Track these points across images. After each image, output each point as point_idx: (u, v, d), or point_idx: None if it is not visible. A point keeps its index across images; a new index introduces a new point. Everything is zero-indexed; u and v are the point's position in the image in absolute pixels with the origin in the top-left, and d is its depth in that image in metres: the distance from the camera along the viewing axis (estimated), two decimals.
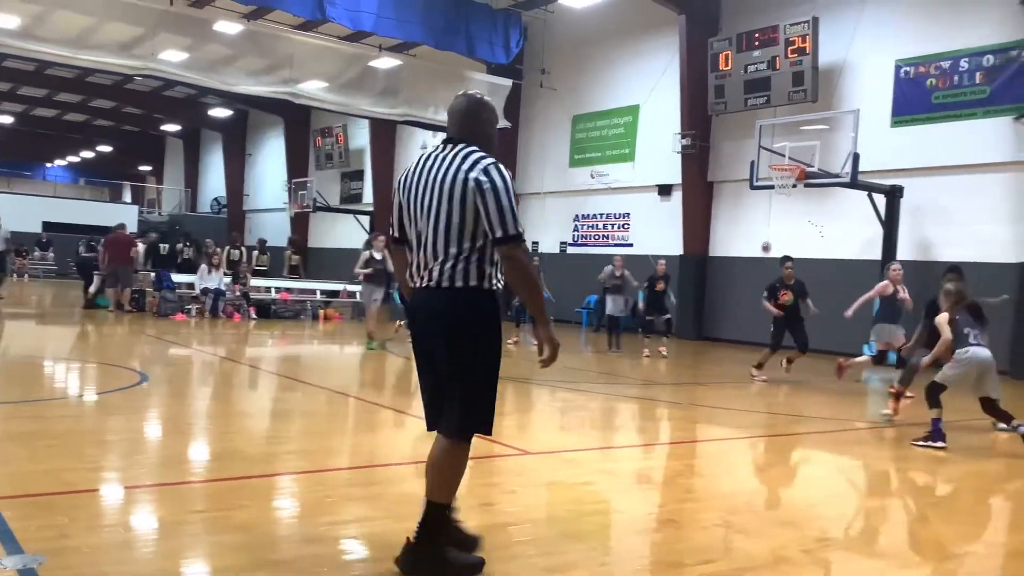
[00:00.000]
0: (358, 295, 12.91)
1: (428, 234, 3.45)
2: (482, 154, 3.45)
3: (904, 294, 10.53)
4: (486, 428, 3.52)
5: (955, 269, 9.62)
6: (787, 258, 12.07)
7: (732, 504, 5.10)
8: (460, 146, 3.50)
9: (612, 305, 14.74)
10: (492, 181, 3.37)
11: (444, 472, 3.52)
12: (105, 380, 8.91)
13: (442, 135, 16.51)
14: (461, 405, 3.43)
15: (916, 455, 6.97)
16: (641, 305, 15.34)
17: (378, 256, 12.55)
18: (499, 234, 3.34)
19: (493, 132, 3.67)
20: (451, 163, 3.45)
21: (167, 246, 19.90)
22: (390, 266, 12.14)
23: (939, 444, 7.01)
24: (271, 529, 4.10)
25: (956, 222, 14.47)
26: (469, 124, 3.59)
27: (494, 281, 3.46)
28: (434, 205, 3.43)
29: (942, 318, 7.39)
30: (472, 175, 3.37)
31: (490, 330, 3.46)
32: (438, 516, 3.49)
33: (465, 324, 3.42)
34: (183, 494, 4.65)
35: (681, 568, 3.82)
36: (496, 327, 3.49)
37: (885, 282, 10.54)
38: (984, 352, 7.26)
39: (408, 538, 3.49)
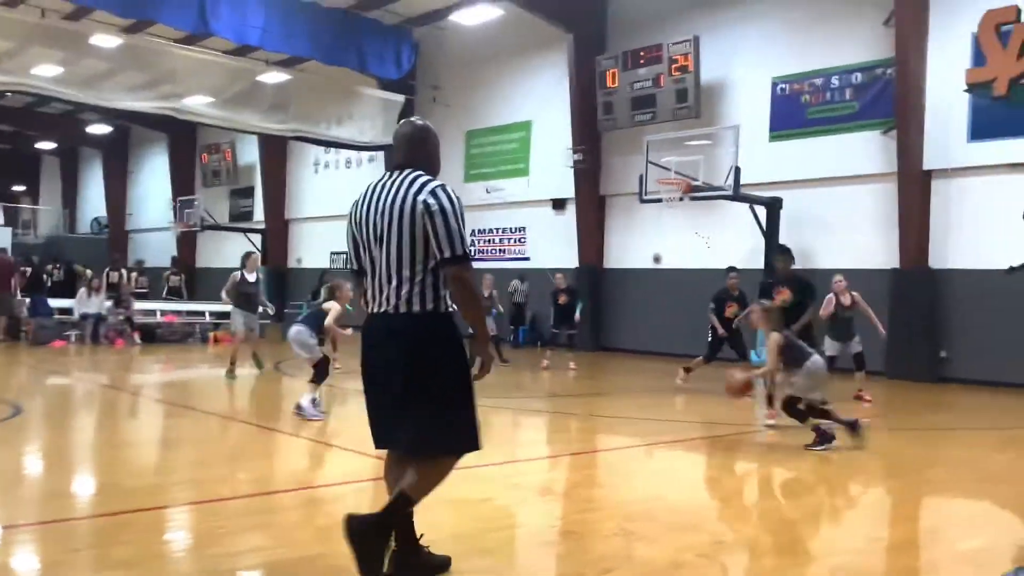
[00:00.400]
0: (232, 322, 11.64)
1: (381, 260, 3.53)
2: (428, 177, 3.57)
3: (849, 301, 10.85)
4: (470, 445, 3.59)
5: (785, 251, 9.92)
6: (732, 268, 12.21)
7: (630, 512, 5.18)
8: (407, 171, 3.59)
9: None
10: (440, 203, 3.46)
11: (427, 480, 3.57)
12: None
13: (334, 151, 16.42)
14: (431, 425, 3.49)
15: (805, 456, 7.25)
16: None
17: (251, 278, 11.63)
18: (447, 254, 3.45)
19: (438, 156, 3.79)
20: (399, 188, 3.54)
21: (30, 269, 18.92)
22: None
23: (830, 445, 7.26)
24: (158, 564, 3.92)
25: (833, 231, 15.20)
26: (414, 150, 3.70)
27: (449, 304, 3.56)
28: (385, 231, 3.51)
29: (774, 341, 7.48)
30: (420, 198, 3.48)
31: (451, 350, 3.54)
32: (403, 505, 3.54)
33: (425, 347, 3.49)
34: (61, 532, 4.41)
35: None
36: (457, 347, 3.57)
37: (829, 296, 10.72)
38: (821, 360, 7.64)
39: (367, 516, 3.54)
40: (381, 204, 3.56)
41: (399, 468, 3.69)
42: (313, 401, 8.30)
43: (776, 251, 11.34)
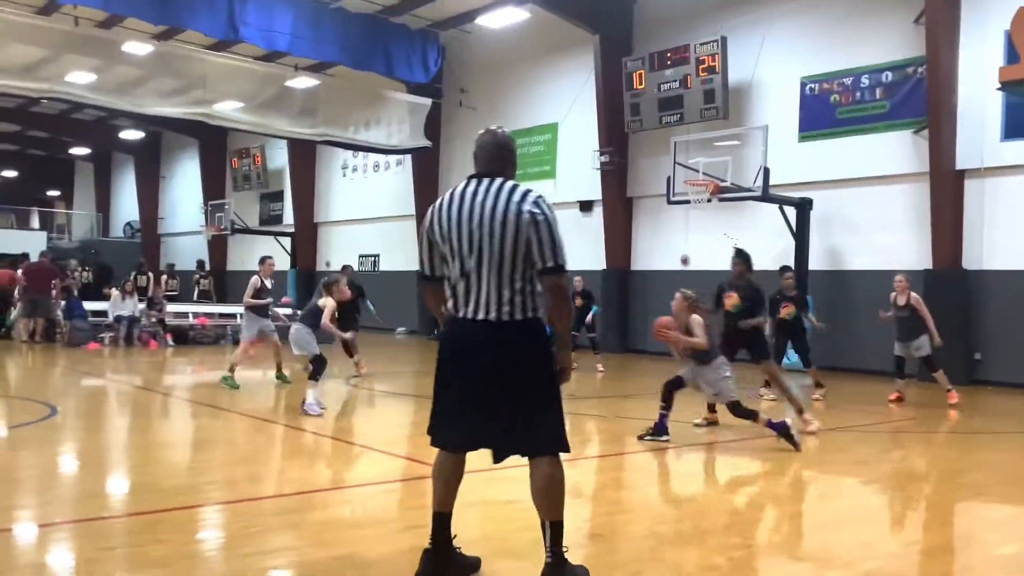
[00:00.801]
0: (244, 327, 11.46)
1: (482, 268, 3.56)
2: (526, 187, 3.65)
3: (904, 301, 10.95)
4: (566, 445, 3.70)
5: (740, 253, 9.76)
6: (786, 268, 12.10)
7: (660, 514, 5.17)
8: (499, 180, 3.65)
9: None
10: (544, 213, 3.56)
11: (559, 491, 3.66)
12: (11, 414, 8.53)
13: (362, 155, 16.44)
14: (546, 428, 3.62)
15: (834, 460, 7.18)
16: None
17: (269, 284, 11.49)
18: (549, 264, 3.54)
19: (516, 165, 3.88)
20: (498, 196, 3.58)
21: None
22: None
23: (664, 438, 7.43)
24: (190, 563, 3.97)
25: (864, 232, 15.04)
26: (499, 158, 3.76)
27: (541, 311, 3.65)
28: (486, 238, 3.54)
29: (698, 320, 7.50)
30: (525, 208, 3.54)
31: (549, 356, 3.67)
32: (561, 530, 3.64)
33: (532, 353, 3.61)
34: (96, 530, 4.48)
35: None
36: (552, 352, 3.71)
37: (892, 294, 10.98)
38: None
39: (547, 560, 3.61)
40: (479, 212, 3.56)
41: (455, 472, 3.77)
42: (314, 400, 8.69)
43: (781, 270, 11.49)
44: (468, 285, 3.59)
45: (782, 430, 7.30)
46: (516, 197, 3.58)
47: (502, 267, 3.55)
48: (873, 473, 6.71)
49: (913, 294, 10.93)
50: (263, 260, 11.63)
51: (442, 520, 3.74)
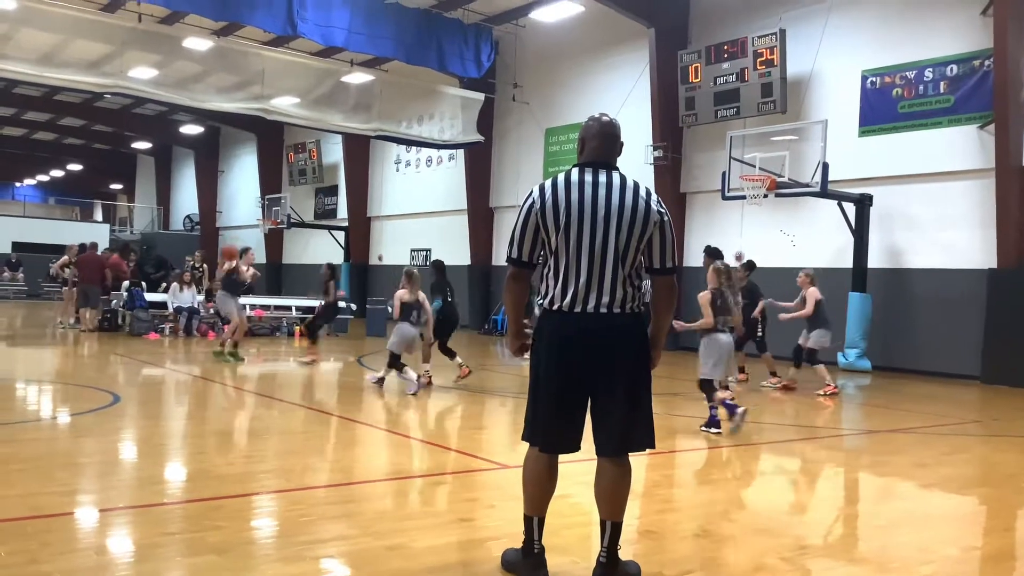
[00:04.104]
0: (230, 304, 12.63)
1: (606, 259, 3.52)
2: (647, 186, 3.68)
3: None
4: (654, 441, 3.74)
5: (712, 252, 10.90)
6: (750, 263, 12.61)
7: (711, 513, 5.12)
8: (618, 173, 3.64)
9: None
10: (668, 215, 3.65)
11: (627, 492, 3.69)
12: (77, 402, 8.78)
13: (415, 149, 16.67)
14: (645, 424, 3.65)
15: (893, 462, 7.03)
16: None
17: (243, 268, 12.63)
18: (668, 265, 3.63)
19: None
20: (625, 191, 3.57)
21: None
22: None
23: (714, 431, 7.71)
24: (247, 550, 4.05)
25: (926, 229, 14.68)
26: (615, 147, 3.74)
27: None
28: (612, 231, 3.52)
29: (705, 296, 8.04)
30: (654, 206, 3.58)
31: (649, 351, 3.70)
32: (620, 531, 3.67)
33: (644, 347, 3.66)
34: (156, 516, 4.59)
35: None
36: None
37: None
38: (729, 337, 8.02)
39: (600, 561, 3.62)
40: (605, 203, 3.52)
41: (553, 473, 3.72)
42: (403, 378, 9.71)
43: (705, 252, 11.64)
44: (589, 276, 3.52)
45: (712, 421, 7.74)
46: (643, 193, 3.59)
47: (624, 260, 3.53)
48: (932, 476, 6.55)
49: (811, 289, 11.23)
50: (245, 251, 12.93)
51: (541, 525, 3.70)
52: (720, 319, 7.94)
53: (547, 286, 3.65)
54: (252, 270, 12.65)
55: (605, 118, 3.77)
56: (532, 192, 3.65)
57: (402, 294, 9.79)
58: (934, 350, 14.26)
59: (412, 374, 9.80)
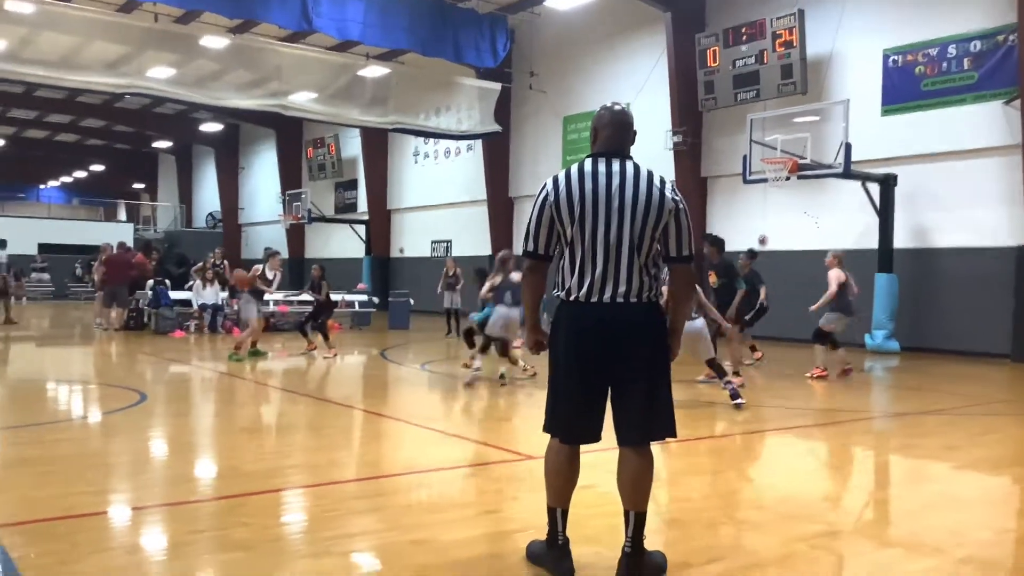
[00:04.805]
0: (251, 309, 12.53)
1: (622, 250, 3.50)
2: (660, 174, 3.65)
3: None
4: (675, 430, 3.70)
5: (715, 241, 10.90)
6: (713, 238, 12.09)
7: (739, 500, 5.08)
8: (632, 162, 3.61)
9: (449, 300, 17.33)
10: (684, 203, 3.63)
11: (650, 481, 3.65)
12: (104, 401, 8.88)
13: (433, 141, 16.71)
14: (666, 412, 3.62)
15: (923, 444, 6.95)
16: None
17: (270, 275, 12.56)
18: (685, 253, 3.60)
19: None
20: (639, 180, 3.54)
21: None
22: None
23: (738, 401, 8.16)
24: (274, 546, 4.06)
25: (951, 208, 14.48)
26: (628, 136, 3.71)
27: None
28: (627, 221, 3.50)
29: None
30: (668, 194, 3.56)
31: (667, 339, 3.67)
32: (644, 521, 3.62)
33: (662, 335, 3.63)
34: (184, 514, 4.62)
35: (688, 568, 3.79)
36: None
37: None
38: (691, 324, 8.09)
39: (624, 552, 3.58)
40: (619, 193, 3.50)
41: (576, 465, 3.70)
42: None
43: (705, 239, 11.33)
44: (605, 266, 3.50)
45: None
46: (657, 182, 3.56)
47: (640, 250, 3.51)
48: (964, 458, 6.46)
49: (835, 271, 10.93)
50: (272, 255, 12.99)
51: (564, 516, 3.68)
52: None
53: (563, 277, 3.62)
54: (277, 275, 12.61)
55: (617, 107, 3.74)
56: (546, 184, 3.63)
57: (493, 278, 9.96)
58: (963, 329, 14.08)
59: (478, 362, 9.91)
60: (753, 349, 12.45)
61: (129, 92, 20.17)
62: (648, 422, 3.59)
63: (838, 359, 10.89)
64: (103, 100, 30.98)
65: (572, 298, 3.57)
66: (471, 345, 11.15)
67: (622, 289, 3.50)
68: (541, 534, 3.81)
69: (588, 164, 3.60)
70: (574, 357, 3.57)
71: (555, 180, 3.60)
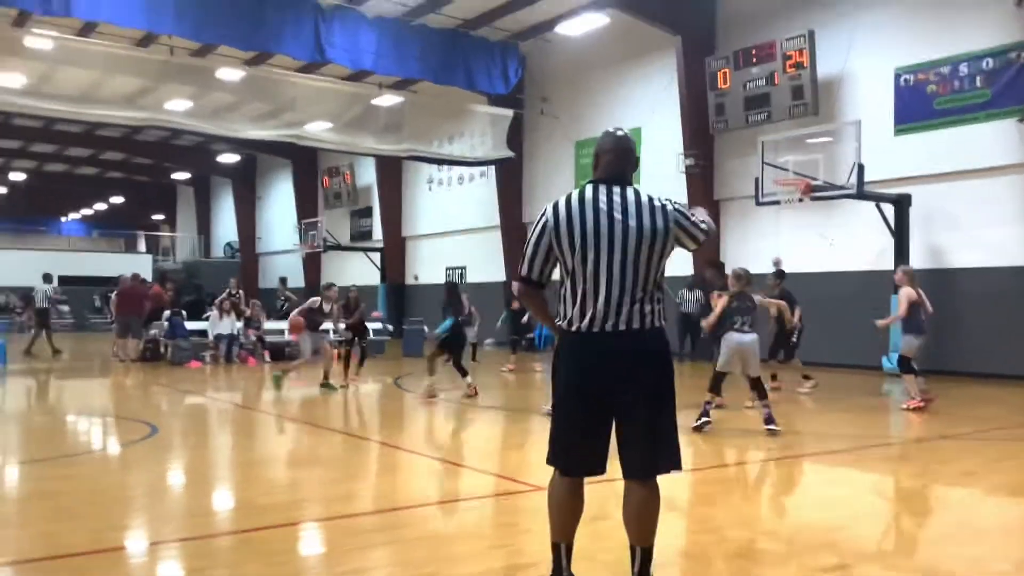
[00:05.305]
0: (306, 346, 12.55)
1: (626, 279, 3.46)
2: (662, 197, 3.62)
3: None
4: (680, 462, 3.63)
5: (715, 264, 10.97)
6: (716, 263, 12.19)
7: (753, 531, 5.01)
8: (633, 188, 3.59)
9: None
10: (680, 204, 3.64)
11: (657, 515, 3.58)
12: (113, 435, 8.90)
13: (447, 168, 16.88)
14: (672, 444, 3.56)
15: (940, 471, 6.84)
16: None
17: (327, 307, 12.37)
18: (703, 238, 3.66)
19: None
20: (642, 209, 3.51)
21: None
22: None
23: (704, 420, 8.24)
24: None
25: (966, 227, 14.35)
26: (629, 162, 3.69)
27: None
28: (632, 250, 3.46)
29: (722, 300, 8.54)
30: (670, 215, 3.54)
31: (672, 368, 3.64)
32: (652, 556, 3.58)
33: (668, 363, 3.58)
34: (197, 549, 4.61)
35: None
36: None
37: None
38: (746, 337, 8.31)
39: None
40: (621, 225, 3.46)
41: (579, 498, 3.65)
42: None
43: (708, 264, 11.50)
44: (608, 297, 3.45)
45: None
46: (658, 205, 3.54)
47: (648, 277, 3.49)
48: (982, 484, 6.35)
49: (906, 289, 10.08)
50: (328, 287, 12.75)
51: (569, 551, 3.63)
52: (738, 319, 8.37)
53: (565, 307, 3.58)
54: (334, 308, 12.50)
55: (620, 132, 3.72)
56: (546, 211, 3.60)
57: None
58: (983, 351, 13.90)
59: (469, 378, 10.03)
60: (774, 377, 11.91)
61: (147, 125, 20.48)
62: (653, 454, 3.52)
63: (922, 388, 10.19)
64: (122, 133, 31.38)
65: (574, 328, 3.52)
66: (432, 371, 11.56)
67: (625, 317, 3.46)
68: (549, 569, 3.77)
69: (589, 191, 3.57)
70: (576, 387, 3.53)
71: (555, 207, 3.57)
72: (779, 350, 11.74)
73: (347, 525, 5.15)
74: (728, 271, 9.60)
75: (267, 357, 17.37)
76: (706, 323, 8.81)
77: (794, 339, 11.72)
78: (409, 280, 27.83)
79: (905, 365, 10.08)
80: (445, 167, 24.95)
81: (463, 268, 25.56)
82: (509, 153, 21.42)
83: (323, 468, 7.11)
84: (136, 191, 44.49)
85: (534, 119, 22.32)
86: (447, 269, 26.10)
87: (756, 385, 8.37)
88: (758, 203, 15.64)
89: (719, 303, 8.48)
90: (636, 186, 3.61)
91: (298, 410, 11.29)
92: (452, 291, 12.20)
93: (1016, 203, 13.71)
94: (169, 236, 44.66)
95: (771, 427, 8.09)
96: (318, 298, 12.63)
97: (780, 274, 12.18)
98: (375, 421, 10.42)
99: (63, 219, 52.23)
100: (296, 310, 12.98)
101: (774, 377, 11.96)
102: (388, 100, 20.22)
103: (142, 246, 44.77)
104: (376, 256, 28.21)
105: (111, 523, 5.13)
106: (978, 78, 14.13)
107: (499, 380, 14.63)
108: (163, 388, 13.07)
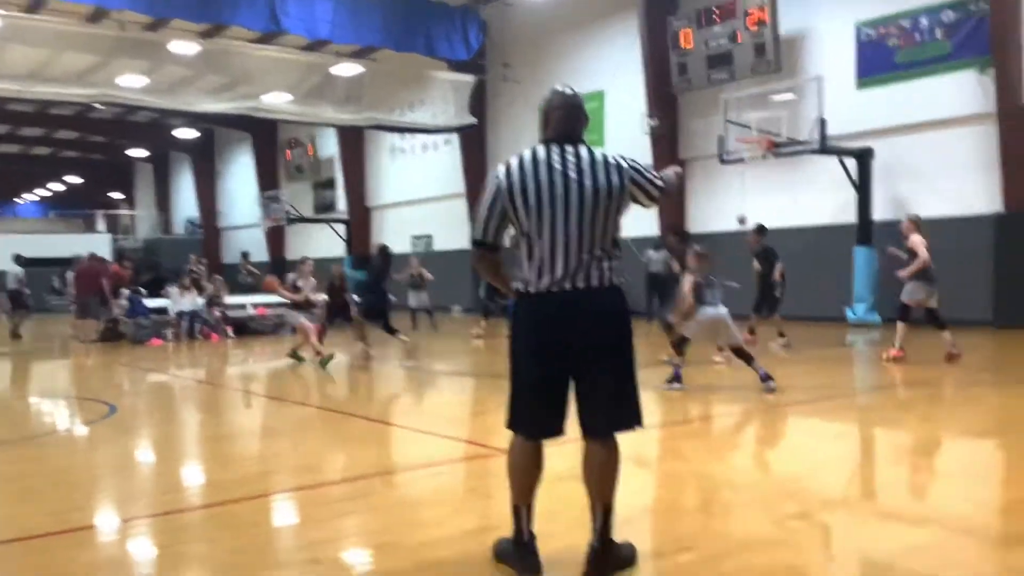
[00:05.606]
0: (296, 316, 11.89)
1: (583, 237, 3.38)
2: (616, 155, 3.54)
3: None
4: (642, 419, 3.56)
5: (679, 232, 10.67)
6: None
7: (714, 485, 4.99)
8: (585, 146, 3.50)
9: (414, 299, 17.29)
10: (632, 160, 3.54)
11: (617, 472, 3.52)
12: (75, 415, 8.71)
13: (409, 136, 16.68)
14: (633, 402, 3.49)
15: (901, 418, 6.87)
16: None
17: (301, 283, 11.83)
18: (657, 194, 3.55)
19: None
20: (596, 167, 3.43)
21: None
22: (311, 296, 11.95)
23: (676, 386, 8.17)
24: (263, 552, 3.92)
25: (928, 179, 14.43)
26: (580, 120, 3.58)
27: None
28: (588, 209, 3.38)
29: (689, 282, 8.36)
30: (626, 171, 3.46)
31: (631, 327, 3.55)
32: (612, 514, 3.50)
33: (629, 322, 3.50)
34: (166, 525, 4.48)
35: (659, 558, 3.70)
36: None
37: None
38: (720, 310, 8.24)
39: (592, 546, 3.45)
40: (576, 184, 3.37)
41: (539, 460, 3.58)
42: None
43: (672, 231, 11.14)
44: (566, 257, 3.37)
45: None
46: (612, 162, 3.45)
47: (605, 235, 3.41)
48: (941, 429, 6.39)
49: (916, 236, 9.85)
50: (301, 262, 12.33)
51: (530, 512, 3.56)
52: (708, 294, 8.26)
53: (520, 269, 3.50)
54: (310, 282, 12.11)
55: (568, 90, 3.62)
56: (498, 171, 3.50)
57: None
58: (944, 298, 13.97)
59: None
60: (751, 332, 11.80)
61: (101, 102, 19.98)
62: (614, 413, 3.46)
63: (946, 341, 9.80)
64: (76, 111, 30.65)
65: (531, 290, 3.44)
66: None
67: (583, 277, 3.39)
68: (511, 531, 3.70)
69: (541, 151, 3.47)
70: (534, 349, 3.46)
71: (507, 168, 3.47)
72: (763, 305, 11.77)
73: (316, 495, 5.05)
74: (692, 247, 9.35)
75: (230, 333, 17.12)
76: (681, 311, 8.57)
77: (776, 294, 11.75)
78: (375, 251, 27.56)
79: (903, 312, 9.90)
80: (408, 136, 24.67)
81: (429, 236, 25.37)
82: (472, 120, 21.18)
83: (289, 440, 6.99)
84: (93, 170, 43.60)
85: (496, 85, 22.07)
86: (413, 238, 25.90)
87: (741, 354, 8.25)
88: (722, 162, 15.63)
89: (687, 285, 8.37)
90: (601, 150, 3.53)
91: (264, 384, 11.14)
92: (382, 255, 12.65)
93: (976, 153, 13.80)
94: (128, 214, 43.88)
95: (769, 383, 7.89)
96: (292, 275, 12.32)
97: (761, 230, 12.13)
98: (342, 393, 10.30)
99: (19, 201, 51.15)
100: (267, 279, 12.78)
101: (752, 332, 11.97)
102: (347, 69, 19.86)
103: (101, 226, 43.91)
104: (341, 228, 27.91)
105: (75, 503, 4.98)
106: (938, 30, 14.15)
107: (468, 346, 14.57)
108: (124, 367, 12.83)
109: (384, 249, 12.85)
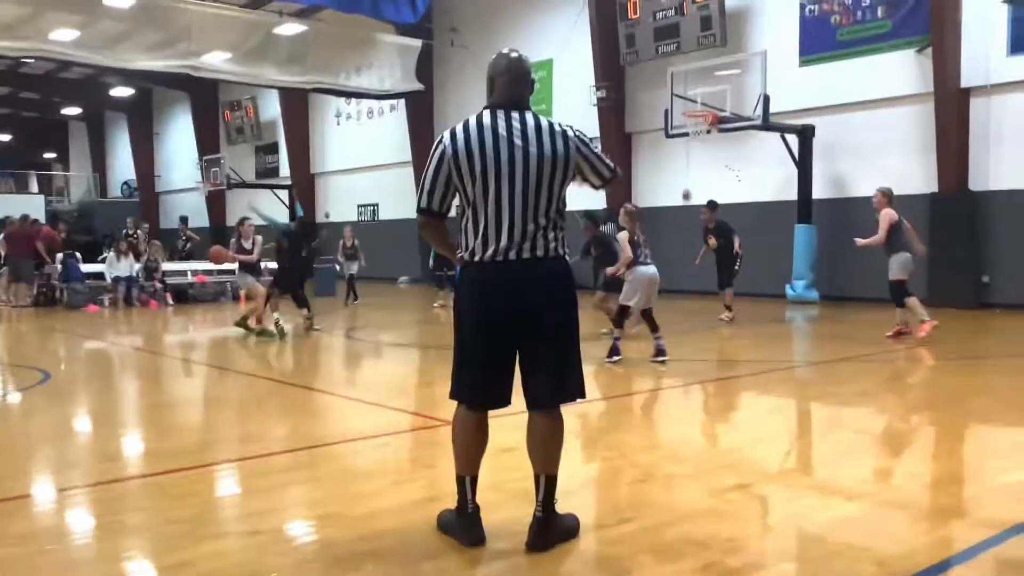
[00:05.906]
0: (246, 278, 11.66)
1: (527, 206, 3.35)
2: (564, 123, 3.54)
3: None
4: (584, 390, 3.57)
5: (590, 215, 10.86)
6: (712, 203, 12.42)
7: (656, 456, 5.07)
8: (534, 114, 3.47)
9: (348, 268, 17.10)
10: (583, 134, 3.54)
11: (561, 443, 3.54)
12: (3, 381, 8.46)
13: (355, 101, 16.38)
14: (576, 373, 3.50)
15: (837, 392, 7.06)
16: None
17: (247, 244, 11.61)
18: (608, 174, 3.58)
19: None
20: (543, 134, 3.40)
21: None
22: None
23: (616, 358, 8.22)
24: (204, 522, 3.87)
25: (867, 157, 14.72)
26: (526, 85, 3.56)
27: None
28: (533, 175, 3.35)
29: (624, 236, 8.38)
30: (571, 140, 3.45)
31: (575, 298, 3.55)
32: (555, 484, 3.51)
33: (573, 292, 3.50)
34: (105, 495, 4.40)
35: (602, 529, 3.76)
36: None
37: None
38: (653, 268, 8.39)
39: (535, 516, 3.47)
40: (521, 151, 3.34)
41: (484, 430, 3.59)
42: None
43: (582, 216, 10.95)
44: (511, 225, 3.35)
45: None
46: (558, 131, 3.43)
47: (551, 204, 3.40)
48: (876, 404, 6.59)
49: (885, 211, 9.69)
50: (240, 223, 11.87)
51: (474, 484, 3.56)
52: (641, 253, 8.37)
53: (466, 238, 3.47)
54: (257, 240, 11.75)
55: (514, 54, 3.57)
56: (443, 137, 3.45)
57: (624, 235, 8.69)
58: (881, 277, 14.34)
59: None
60: (728, 308, 11.88)
61: (31, 56, 19.17)
62: (558, 384, 3.48)
63: (898, 319, 9.85)
64: (6, 66, 29.31)
65: (477, 259, 3.42)
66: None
67: (528, 246, 3.38)
68: (454, 502, 3.71)
69: (487, 117, 3.43)
70: (480, 319, 3.44)
71: (452, 135, 3.43)
72: (722, 278, 11.91)
73: (257, 466, 4.99)
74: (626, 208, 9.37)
75: (170, 300, 16.77)
76: (619, 266, 8.54)
77: (736, 267, 11.90)
78: (320, 218, 27.19)
79: (899, 289, 9.68)
80: (354, 100, 24.24)
81: (376, 205, 25.10)
82: (419, 86, 20.89)
83: (231, 410, 6.91)
84: (24, 128, 41.93)
85: (444, 51, 21.80)
86: (359, 207, 25.60)
87: (649, 317, 8.47)
88: (668, 135, 15.71)
89: (624, 242, 8.40)
90: (547, 118, 3.50)
91: (204, 353, 10.95)
92: (300, 225, 12.77)
93: (916, 132, 14.11)
94: (63, 175, 42.45)
95: (660, 359, 8.21)
96: (235, 238, 11.85)
97: (713, 205, 12.26)
98: (287, 363, 10.18)
99: None
100: (213, 250, 12.32)
101: (728, 308, 11.96)
102: (290, 29, 19.38)
103: (34, 187, 42.42)
104: (283, 193, 27.40)
105: (7, 472, 4.86)
106: (880, 9, 14.37)
107: (428, 316, 14.51)
108: (59, 333, 12.49)
109: (302, 220, 12.76)
